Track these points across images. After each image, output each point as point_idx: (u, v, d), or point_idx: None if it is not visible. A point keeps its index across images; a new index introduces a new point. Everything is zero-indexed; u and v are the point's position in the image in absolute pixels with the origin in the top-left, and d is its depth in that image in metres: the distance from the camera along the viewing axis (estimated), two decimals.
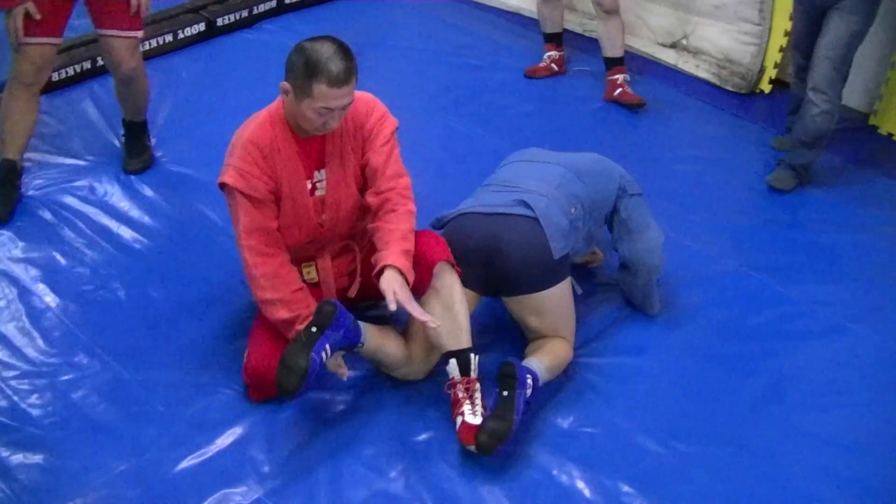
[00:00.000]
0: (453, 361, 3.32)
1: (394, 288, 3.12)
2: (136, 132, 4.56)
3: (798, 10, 4.80)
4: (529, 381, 3.26)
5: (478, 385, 3.33)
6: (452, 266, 3.38)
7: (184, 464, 3.17)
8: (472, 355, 3.34)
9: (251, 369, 3.33)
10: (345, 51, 3.12)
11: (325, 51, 3.07)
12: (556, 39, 5.86)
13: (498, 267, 3.45)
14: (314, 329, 3.06)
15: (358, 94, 3.27)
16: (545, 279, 3.46)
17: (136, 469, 3.13)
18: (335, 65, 3.05)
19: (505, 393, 3.21)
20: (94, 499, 3.02)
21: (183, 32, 5.61)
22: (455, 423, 3.30)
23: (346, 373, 3.31)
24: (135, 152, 4.57)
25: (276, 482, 3.12)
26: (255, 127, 3.29)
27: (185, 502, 3.04)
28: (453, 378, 3.33)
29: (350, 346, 3.23)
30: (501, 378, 3.24)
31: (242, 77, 5.42)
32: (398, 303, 3.11)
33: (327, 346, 3.08)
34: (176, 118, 5.04)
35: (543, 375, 3.39)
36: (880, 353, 3.89)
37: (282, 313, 3.26)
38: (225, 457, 3.21)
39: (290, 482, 3.13)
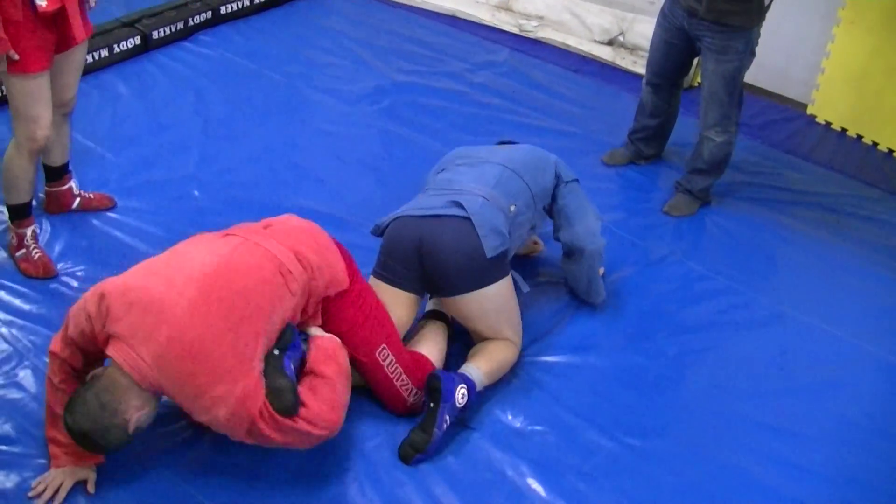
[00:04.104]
0: None
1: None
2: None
3: (658, 32, 4.66)
4: (461, 392, 3.28)
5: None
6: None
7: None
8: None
9: None
10: None
11: None
12: None
13: (432, 268, 3.45)
14: (276, 351, 3.03)
15: None
16: (480, 278, 3.46)
17: None
18: None
19: (431, 405, 3.25)
20: None
21: (118, 47, 5.55)
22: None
23: None
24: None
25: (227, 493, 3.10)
26: None
27: None
28: None
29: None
30: (429, 392, 3.28)
31: (180, 90, 5.38)
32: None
33: (291, 364, 3.07)
34: (120, 133, 4.98)
35: (482, 381, 3.42)
36: (821, 340, 3.97)
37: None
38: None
39: (243, 491, 3.11)
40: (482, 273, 3.45)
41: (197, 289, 2.85)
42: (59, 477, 3.02)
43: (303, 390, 3.00)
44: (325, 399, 3.02)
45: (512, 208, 3.56)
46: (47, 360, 3.06)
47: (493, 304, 3.51)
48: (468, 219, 3.45)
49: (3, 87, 3.68)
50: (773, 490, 3.27)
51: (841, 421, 3.58)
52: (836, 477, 3.35)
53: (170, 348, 2.79)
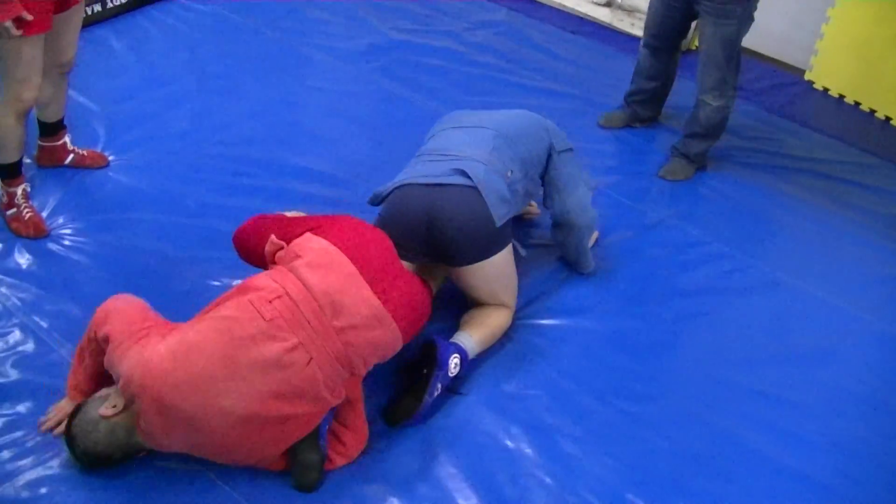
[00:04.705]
0: None
1: None
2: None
3: None
4: (454, 362, 3.27)
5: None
6: None
7: None
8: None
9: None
10: None
11: None
12: None
13: (439, 239, 3.38)
14: None
15: None
16: (487, 248, 3.42)
17: None
18: None
19: (424, 371, 3.24)
20: None
21: (112, 2, 5.48)
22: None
23: None
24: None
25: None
26: None
27: None
28: None
29: None
30: (423, 357, 3.26)
31: (174, 45, 5.33)
32: None
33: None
34: (114, 89, 4.93)
35: (474, 350, 3.40)
36: (817, 308, 3.94)
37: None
38: None
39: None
40: (490, 242, 3.42)
41: (240, 427, 2.83)
42: (68, 408, 3.09)
43: (335, 425, 3.09)
44: (358, 429, 3.12)
45: (509, 174, 3.52)
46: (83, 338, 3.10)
47: (496, 272, 3.49)
48: (475, 188, 3.39)
49: None
50: (766, 457, 3.27)
51: (835, 390, 3.56)
52: (828, 446, 3.34)
53: (199, 450, 2.92)
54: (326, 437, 3.07)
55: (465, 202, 3.37)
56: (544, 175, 3.78)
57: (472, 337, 3.42)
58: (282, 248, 3.15)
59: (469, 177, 3.40)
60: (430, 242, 3.40)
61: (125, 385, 2.82)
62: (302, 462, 2.97)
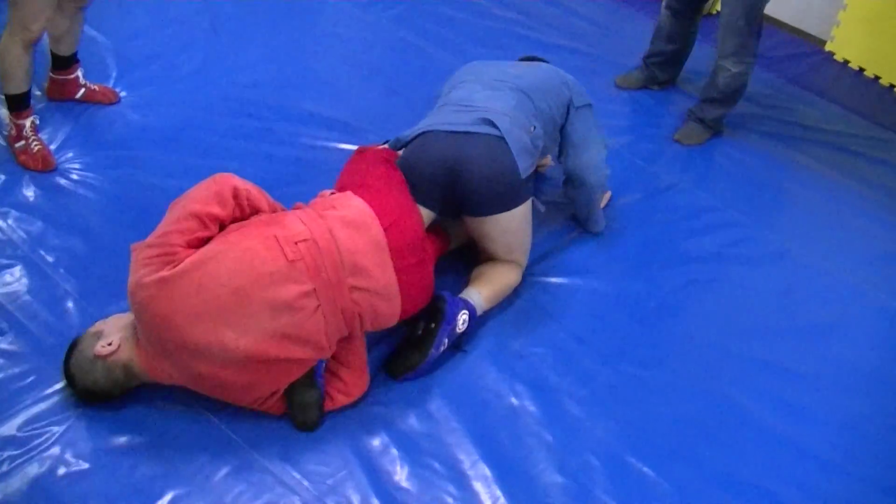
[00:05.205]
0: None
1: None
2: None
3: None
4: (462, 318, 3.25)
5: None
6: None
7: None
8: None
9: None
10: None
11: None
12: None
13: (463, 186, 3.33)
14: None
15: None
16: (510, 199, 3.38)
17: None
18: None
19: (432, 325, 3.21)
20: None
21: None
22: None
23: None
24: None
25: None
26: None
27: None
28: None
29: None
30: (431, 311, 3.24)
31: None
32: None
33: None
34: (127, 26, 4.88)
35: (482, 306, 3.38)
36: (826, 281, 3.93)
37: None
38: None
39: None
40: (513, 194, 3.38)
41: (239, 361, 2.82)
42: None
43: (332, 363, 3.07)
44: (357, 367, 3.11)
45: (532, 129, 3.47)
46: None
47: (515, 226, 3.45)
48: (502, 138, 3.35)
49: None
50: (768, 428, 3.26)
51: (841, 363, 3.55)
52: (831, 419, 3.33)
53: (197, 382, 2.89)
54: (324, 376, 3.06)
55: (492, 151, 3.33)
56: (561, 130, 3.74)
57: (482, 294, 3.39)
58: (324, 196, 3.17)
59: (497, 126, 3.36)
60: (453, 190, 3.36)
61: (130, 294, 2.81)
62: (300, 401, 2.97)
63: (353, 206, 3.06)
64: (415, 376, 3.21)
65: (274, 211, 3.12)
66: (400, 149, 3.53)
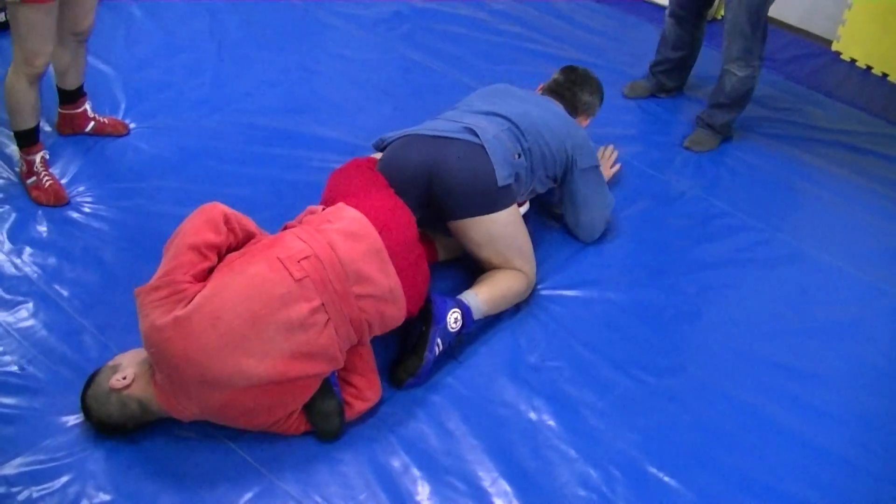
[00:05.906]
0: None
1: None
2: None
3: None
4: (454, 316, 3.26)
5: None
6: None
7: None
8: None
9: None
10: None
11: None
12: None
13: (439, 186, 3.41)
14: None
15: None
16: (488, 202, 3.42)
17: None
18: None
19: (423, 328, 3.24)
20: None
21: None
22: None
23: None
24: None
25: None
26: None
27: None
28: None
29: None
30: (421, 314, 3.26)
31: (194, 12, 5.30)
32: None
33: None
34: (134, 56, 4.91)
35: (480, 307, 3.38)
36: (841, 280, 3.91)
37: None
38: None
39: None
40: (491, 198, 3.42)
41: (259, 386, 2.82)
42: None
43: (342, 372, 3.08)
44: (366, 371, 3.12)
45: (516, 156, 3.51)
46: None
47: (501, 231, 3.47)
48: (481, 146, 3.42)
49: (6, 13, 3.58)
50: (788, 430, 3.24)
51: (859, 363, 3.54)
52: (851, 419, 3.31)
53: (216, 413, 2.89)
54: (339, 385, 3.08)
55: (469, 156, 3.41)
56: (561, 183, 3.79)
57: (479, 295, 3.39)
58: (313, 212, 3.19)
59: (477, 136, 3.43)
60: (430, 192, 3.44)
61: (146, 338, 2.82)
62: (321, 410, 2.98)
63: (348, 217, 3.09)
64: (417, 381, 3.22)
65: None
66: (382, 149, 3.61)
